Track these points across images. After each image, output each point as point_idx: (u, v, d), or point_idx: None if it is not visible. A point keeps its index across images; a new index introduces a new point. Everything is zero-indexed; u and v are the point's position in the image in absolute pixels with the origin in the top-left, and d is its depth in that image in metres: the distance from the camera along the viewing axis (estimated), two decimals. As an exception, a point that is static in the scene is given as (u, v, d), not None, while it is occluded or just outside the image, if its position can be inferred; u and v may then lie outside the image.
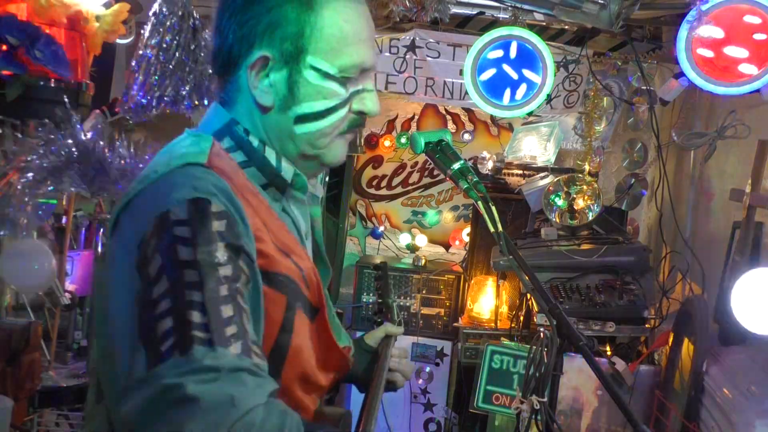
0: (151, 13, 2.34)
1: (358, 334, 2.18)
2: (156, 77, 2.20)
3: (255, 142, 1.24)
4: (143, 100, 2.19)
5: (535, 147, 4.00)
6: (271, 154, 1.24)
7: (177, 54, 2.22)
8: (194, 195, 1.05)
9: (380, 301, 1.89)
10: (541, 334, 1.90)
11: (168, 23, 2.21)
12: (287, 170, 1.25)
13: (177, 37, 2.23)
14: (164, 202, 1.05)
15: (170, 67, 2.22)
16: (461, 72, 3.42)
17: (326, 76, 1.21)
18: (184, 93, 2.22)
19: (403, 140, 4.55)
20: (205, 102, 2.31)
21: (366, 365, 1.62)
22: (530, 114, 3.50)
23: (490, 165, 3.73)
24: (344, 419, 1.40)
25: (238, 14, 1.23)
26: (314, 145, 1.25)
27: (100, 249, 3.21)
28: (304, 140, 1.24)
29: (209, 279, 1.00)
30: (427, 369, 3.93)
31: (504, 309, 3.63)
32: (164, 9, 2.20)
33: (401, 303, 3.97)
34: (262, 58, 1.21)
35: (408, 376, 1.68)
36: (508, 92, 3.26)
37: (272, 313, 1.14)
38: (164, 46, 2.21)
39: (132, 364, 0.97)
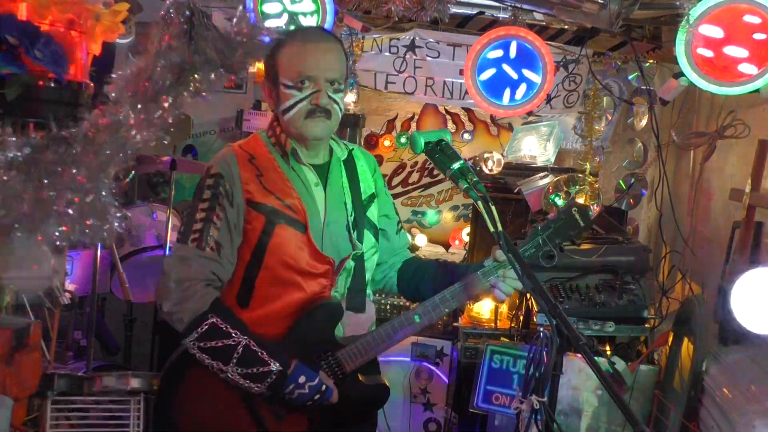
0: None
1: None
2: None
3: (278, 130, 2.05)
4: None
5: (535, 147, 4.00)
6: (285, 138, 2.03)
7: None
8: (209, 165, 2.02)
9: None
10: (541, 334, 1.90)
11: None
12: (290, 146, 2.02)
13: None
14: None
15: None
16: (461, 72, 3.42)
17: (286, 86, 1.96)
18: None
19: (403, 140, 4.55)
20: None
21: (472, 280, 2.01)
22: (530, 114, 3.50)
23: (490, 165, 3.73)
24: (379, 389, 2.08)
25: None
26: (294, 126, 1.98)
27: (99, 250, 3.22)
28: (288, 124, 2.00)
29: (193, 209, 1.95)
30: (427, 368, 3.93)
31: (504, 309, 3.63)
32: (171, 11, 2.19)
33: (399, 303, 3.96)
34: (266, 86, 2.06)
35: (506, 293, 1.99)
36: (507, 92, 3.25)
37: (256, 224, 1.96)
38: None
39: None
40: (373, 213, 2.14)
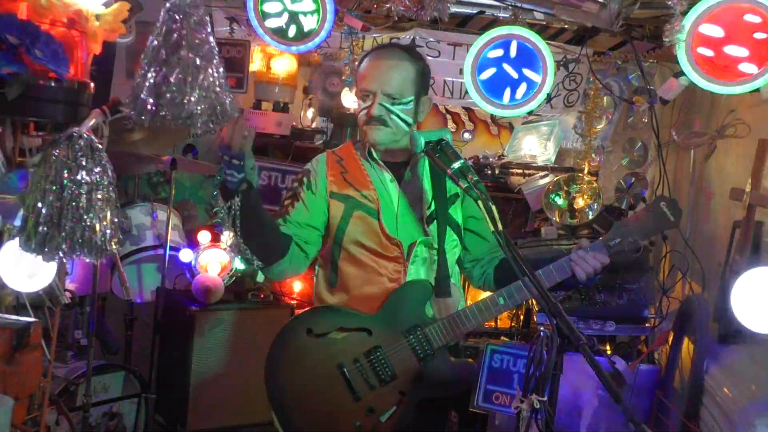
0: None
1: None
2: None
3: (360, 136, 2.32)
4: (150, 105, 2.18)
5: (535, 146, 4.00)
6: (363, 140, 2.30)
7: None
8: (306, 164, 2.36)
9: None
10: (542, 333, 1.90)
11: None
12: (367, 147, 2.28)
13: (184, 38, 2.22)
14: None
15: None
16: (461, 71, 3.42)
17: (359, 96, 2.25)
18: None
19: (404, 139, 4.55)
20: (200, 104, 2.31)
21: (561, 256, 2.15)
22: (530, 113, 3.50)
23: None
24: (467, 367, 2.25)
25: None
26: (362, 131, 2.25)
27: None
28: (361, 130, 2.27)
29: (288, 193, 2.31)
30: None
31: (504, 308, 3.63)
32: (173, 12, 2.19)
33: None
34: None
35: (586, 269, 2.09)
36: (508, 91, 3.25)
37: (336, 212, 2.24)
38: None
39: None
40: (456, 211, 2.28)
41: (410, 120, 2.21)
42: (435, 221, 2.23)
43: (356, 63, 2.40)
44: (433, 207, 2.24)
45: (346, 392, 2.09)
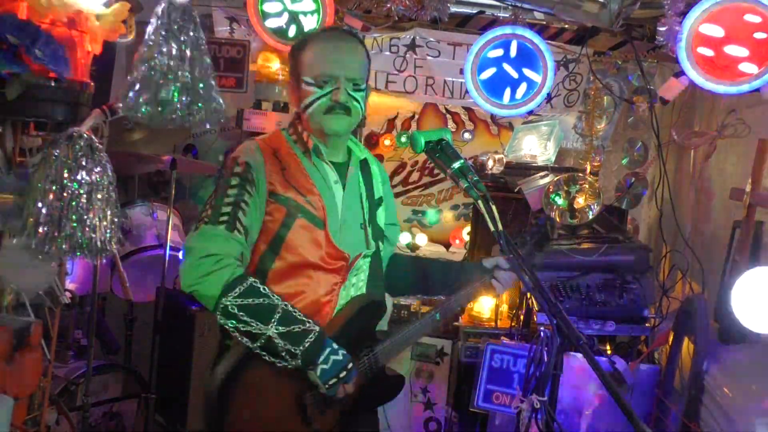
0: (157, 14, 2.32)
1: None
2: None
3: (301, 129, 2.10)
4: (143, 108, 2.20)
5: (536, 146, 4.00)
6: (307, 135, 2.09)
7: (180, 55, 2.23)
8: (234, 155, 2.04)
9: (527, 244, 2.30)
10: (542, 333, 1.90)
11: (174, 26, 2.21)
12: (311, 144, 2.08)
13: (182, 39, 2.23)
14: (227, 157, 2.16)
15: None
16: (461, 71, 3.42)
17: (308, 84, 2.05)
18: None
19: (404, 139, 4.55)
20: (200, 105, 2.31)
21: (474, 278, 2.18)
22: (530, 113, 3.50)
23: (490, 164, 3.73)
24: (399, 379, 2.15)
25: None
26: (314, 122, 2.05)
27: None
28: (308, 120, 2.07)
29: (221, 193, 1.97)
30: (428, 368, 3.93)
31: (504, 308, 3.63)
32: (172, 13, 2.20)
33: (400, 302, 3.96)
34: (290, 85, 2.15)
35: (505, 286, 2.16)
36: (508, 91, 3.25)
37: (276, 215, 2.01)
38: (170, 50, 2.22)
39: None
40: (380, 217, 2.20)
41: (364, 109, 2.11)
42: (370, 228, 2.14)
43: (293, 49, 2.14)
44: (368, 213, 2.16)
45: (300, 421, 1.98)
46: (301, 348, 1.87)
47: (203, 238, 1.93)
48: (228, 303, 1.87)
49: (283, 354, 1.88)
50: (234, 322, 1.87)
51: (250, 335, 1.88)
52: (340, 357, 1.92)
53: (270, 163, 2.03)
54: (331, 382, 1.91)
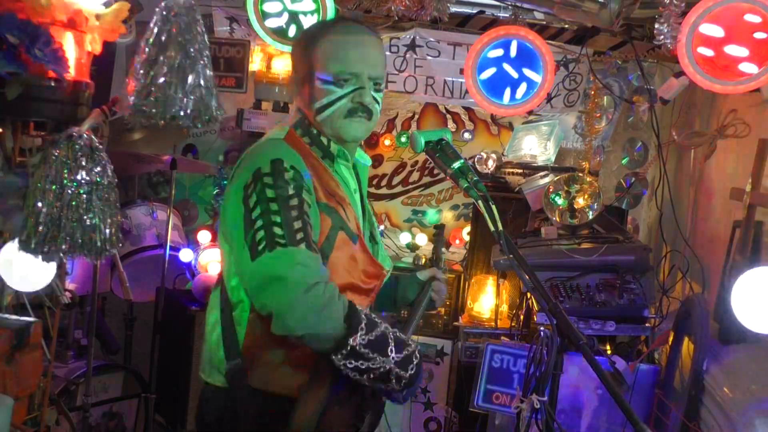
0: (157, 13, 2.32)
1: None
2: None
3: (314, 131, 1.85)
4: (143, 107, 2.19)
5: (535, 146, 4.00)
6: (323, 138, 1.85)
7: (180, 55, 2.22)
8: (274, 156, 1.71)
9: (433, 252, 2.24)
10: (542, 333, 1.90)
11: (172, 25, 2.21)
12: (334, 147, 1.85)
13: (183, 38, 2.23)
14: (257, 161, 1.72)
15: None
16: (461, 71, 3.42)
17: (325, 81, 1.80)
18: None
19: (404, 139, 4.55)
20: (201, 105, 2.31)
21: (416, 293, 2.07)
22: (530, 113, 3.50)
23: (490, 164, 3.73)
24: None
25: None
26: (331, 126, 1.83)
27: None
28: (323, 124, 1.83)
29: (284, 207, 1.64)
30: (428, 368, 3.93)
31: (504, 308, 3.63)
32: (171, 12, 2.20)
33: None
34: (294, 81, 1.89)
35: (443, 297, 2.11)
36: (508, 91, 3.25)
37: (322, 228, 1.75)
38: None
39: (241, 258, 1.65)
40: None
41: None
42: (373, 241, 1.98)
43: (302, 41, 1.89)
44: (369, 224, 1.98)
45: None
46: (410, 371, 1.67)
47: (292, 262, 1.59)
48: (357, 343, 1.59)
49: (393, 381, 1.66)
50: (359, 361, 1.60)
51: (368, 371, 1.62)
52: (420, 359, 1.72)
53: (307, 164, 1.76)
54: (411, 395, 1.76)
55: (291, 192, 1.66)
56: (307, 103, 1.84)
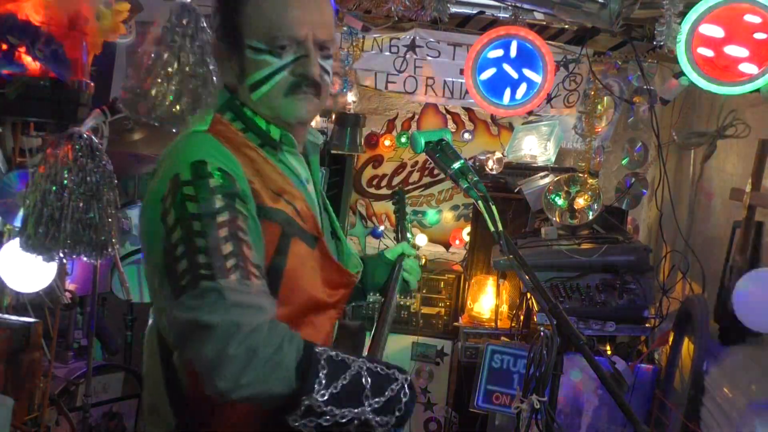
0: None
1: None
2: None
3: (248, 113, 1.49)
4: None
5: (535, 146, 4.00)
6: (261, 121, 1.49)
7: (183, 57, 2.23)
8: (195, 157, 1.34)
9: (397, 224, 2.10)
10: (542, 334, 1.90)
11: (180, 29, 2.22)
12: (275, 132, 1.49)
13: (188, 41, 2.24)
14: (174, 165, 1.35)
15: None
16: (461, 71, 3.42)
17: (257, 50, 1.43)
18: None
19: (403, 139, 4.55)
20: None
21: (386, 275, 1.90)
22: (530, 113, 3.50)
23: (490, 164, 3.73)
24: (360, 329, 1.71)
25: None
26: (269, 106, 1.47)
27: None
28: (261, 104, 1.48)
29: (210, 226, 1.28)
30: (428, 368, 3.93)
31: (504, 308, 3.63)
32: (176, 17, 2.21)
33: (400, 303, 3.96)
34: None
35: (417, 276, 1.94)
36: (508, 91, 3.25)
37: (269, 237, 1.40)
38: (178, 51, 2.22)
39: (161, 293, 1.30)
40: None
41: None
42: (336, 237, 1.69)
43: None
44: (329, 217, 1.68)
45: None
46: (396, 414, 1.35)
47: (220, 303, 1.22)
48: (314, 402, 1.25)
49: (376, 428, 1.34)
50: (323, 418, 1.27)
51: (338, 426, 1.29)
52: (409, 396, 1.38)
53: (243, 162, 1.40)
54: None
55: (218, 205, 1.29)
56: (237, 78, 1.48)
